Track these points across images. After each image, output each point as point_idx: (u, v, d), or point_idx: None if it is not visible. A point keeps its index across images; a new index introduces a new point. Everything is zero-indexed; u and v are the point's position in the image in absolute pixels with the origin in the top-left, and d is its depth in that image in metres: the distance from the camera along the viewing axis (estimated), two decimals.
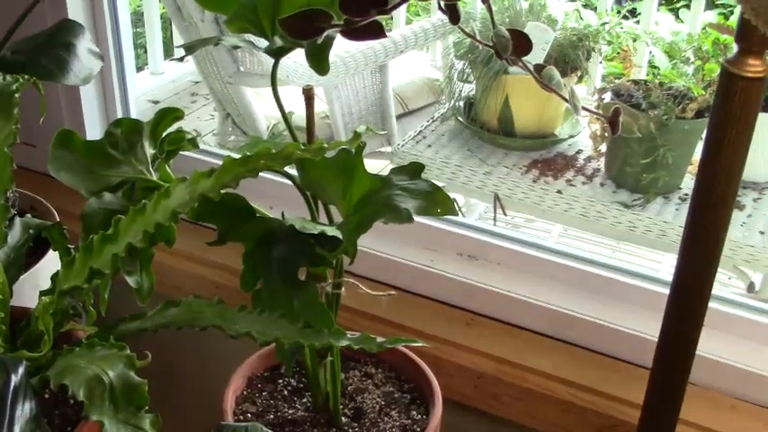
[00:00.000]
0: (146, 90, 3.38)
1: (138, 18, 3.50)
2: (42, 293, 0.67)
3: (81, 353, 0.63)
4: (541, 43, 1.84)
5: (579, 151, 2.01)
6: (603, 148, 1.93)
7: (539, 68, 0.70)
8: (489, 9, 0.66)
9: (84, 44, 1.05)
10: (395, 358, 1.02)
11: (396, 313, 1.17)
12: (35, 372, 0.64)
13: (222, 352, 0.99)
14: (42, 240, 0.88)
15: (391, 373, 1.03)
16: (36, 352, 0.66)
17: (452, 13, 0.68)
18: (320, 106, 2.46)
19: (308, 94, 0.82)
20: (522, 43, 0.66)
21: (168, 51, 3.62)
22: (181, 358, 1.27)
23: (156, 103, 3.48)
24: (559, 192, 1.87)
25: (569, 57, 1.90)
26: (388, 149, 2.55)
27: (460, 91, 2.05)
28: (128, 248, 0.64)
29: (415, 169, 0.80)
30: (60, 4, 1.23)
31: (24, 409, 0.57)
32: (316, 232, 0.73)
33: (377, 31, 0.50)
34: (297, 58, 2.17)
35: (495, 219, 1.78)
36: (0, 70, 1.00)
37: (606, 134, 1.83)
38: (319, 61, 0.75)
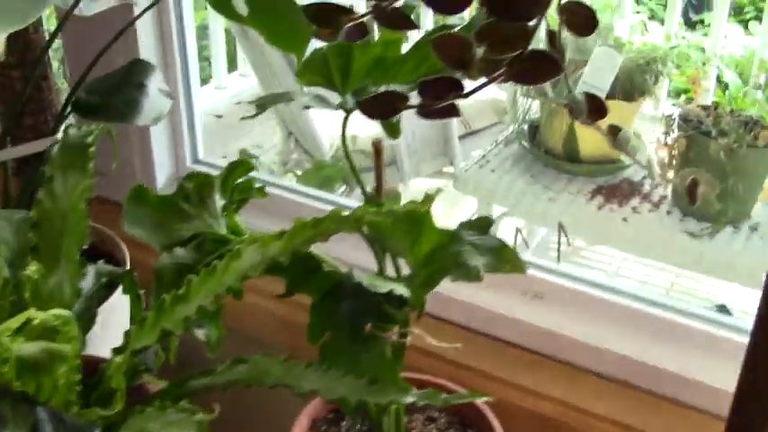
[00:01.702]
0: (210, 104, 3.43)
1: (202, 31, 3.54)
2: (115, 351, 0.68)
3: (153, 414, 0.63)
4: (609, 68, 1.81)
5: (646, 177, 1.98)
6: (671, 174, 1.90)
7: (614, 131, 0.69)
8: (565, 76, 0.65)
9: (156, 84, 1.06)
10: (462, 404, 1.02)
11: (461, 353, 1.16)
12: (106, 430, 0.65)
13: (287, 392, 1.00)
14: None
15: (455, 417, 1.02)
16: (108, 409, 0.66)
17: None
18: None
19: (377, 148, 0.81)
20: (596, 107, 0.65)
21: (232, 65, 3.66)
22: (246, 396, 1.27)
23: (219, 117, 3.52)
24: (625, 219, 1.84)
25: (636, 81, 1.87)
26: (451, 169, 2.55)
27: (525, 114, 2.03)
28: (199, 310, 0.65)
29: (483, 224, 0.79)
30: (132, 43, 1.25)
31: None
32: (384, 291, 0.73)
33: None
34: None
35: (558, 251, 1.76)
36: (75, 112, 1.02)
37: (674, 161, 1.80)
38: (392, 130, 0.75)
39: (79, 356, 0.67)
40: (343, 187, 2.39)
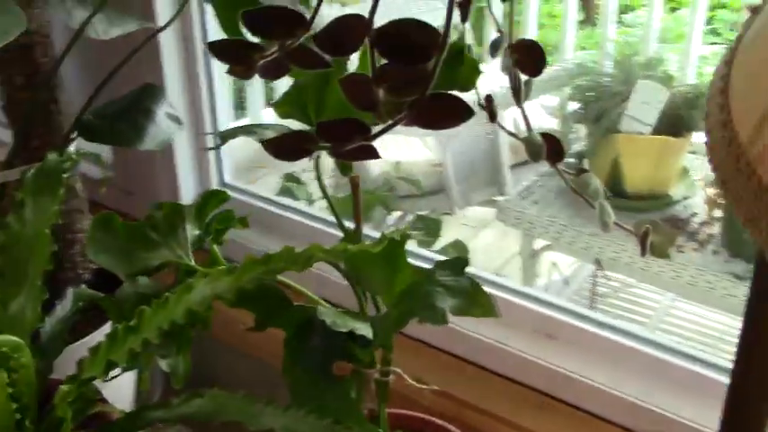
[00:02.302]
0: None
1: None
2: (65, 381, 0.67)
3: None
4: (654, 102, 1.76)
5: (694, 214, 1.91)
6: (719, 213, 1.83)
7: (579, 171, 0.66)
8: (524, 117, 0.63)
9: (164, 108, 1.07)
10: None
11: (462, 388, 1.13)
12: None
13: None
14: None
15: None
16: None
17: (490, 113, 0.65)
18: (428, 154, 2.44)
19: (354, 183, 0.80)
20: (555, 147, 0.62)
21: (269, 96, 3.69)
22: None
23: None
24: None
25: (684, 115, 1.82)
26: (501, 198, 2.51)
27: (569, 146, 1.99)
28: (144, 343, 0.64)
29: (458, 264, 0.77)
30: (155, 67, 1.27)
31: None
32: (345, 330, 0.71)
33: (368, 155, 0.48)
34: None
35: (593, 291, 1.71)
36: (81, 135, 1.04)
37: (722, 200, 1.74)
38: (343, 167, 0.74)
39: (31, 385, 0.67)
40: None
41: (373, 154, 0.48)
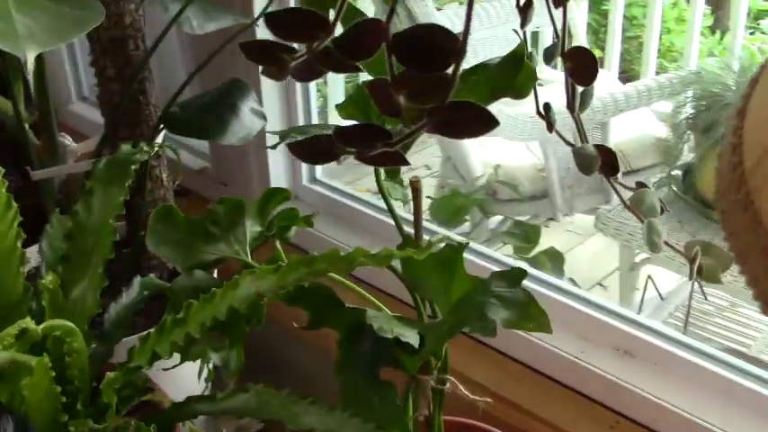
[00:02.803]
0: None
1: None
2: (115, 368, 0.69)
3: None
4: None
5: None
6: None
7: (638, 186, 0.63)
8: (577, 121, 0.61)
9: (249, 104, 1.08)
10: None
11: (535, 401, 1.10)
12: None
13: None
14: None
15: None
16: (101, 423, 0.68)
17: (547, 122, 0.63)
18: (533, 159, 2.40)
19: (415, 187, 0.79)
20: (609, 161, 0.60)
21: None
22: None
23: None
24: None
25: None
26: (608, 207, 2.45)
27: (677, 157, 1.92)
28: (186, 337, 0.65)
29: (515, 276, 0.75)
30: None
31: None
32: (390, 336, 0.70)
33: (394, 161, 0.47)
34: (510, 111, 2.14)
35: (687, 316, 1.64)
36: (166, 127, 1.06)
37: None
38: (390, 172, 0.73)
39: (82, 367, 0.69)
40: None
41: (399, 160, 0.48)
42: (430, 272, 0.77)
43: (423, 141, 3.28)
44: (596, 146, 0.60)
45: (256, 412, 0.70)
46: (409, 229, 0.81)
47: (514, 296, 0.73)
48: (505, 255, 1.55)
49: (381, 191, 0.79)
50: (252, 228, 0.79)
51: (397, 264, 0.80)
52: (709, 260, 0.54)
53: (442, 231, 1.32)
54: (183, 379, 0.82)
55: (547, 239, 1.93)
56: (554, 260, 1.74)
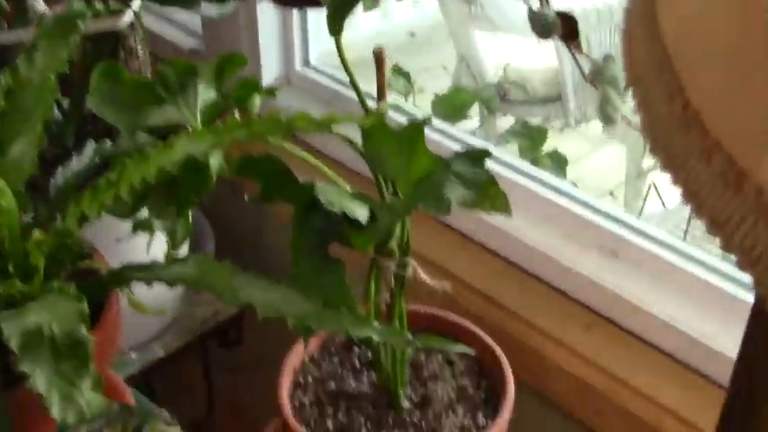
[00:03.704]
0: (406, 22, 3.45)
1: None
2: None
3: (52, 297, 0.61)
4: None
5: None
6: None
7: (605, 57, 0.58)
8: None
9: None
10: (480, 350, 0.94)
11: (511, 296, 1.07)
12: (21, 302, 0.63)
13: None
14: None
15: (475, 366, 0.95)
16: (30, 285, 0.65)
17: None
18: (548, 61, 2.33)
19: (378, 57, 0.74)
20: (570, 26, 0.55)
21: None
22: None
23: (412, 35, 3.53)
24: None
25: None
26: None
27: None
28: (115, 199, 0.61)
29: (478, 155, 0.70)
30: None
31: None
32: (338, 211, 0.67)
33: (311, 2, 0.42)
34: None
35: (687, 226, 1.58)
36: None
37: None
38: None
39: (12, 228, 0.66)
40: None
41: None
42: (391, 150, 0.73)
43: (440, 42, 3.21)
44: (558, 12, 0.55)
45: (194, 283, 0.67)
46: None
47: (476, 176, 0.69)
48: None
49: (343, 61, 0.74)
50: (206, 94, 0.74)
51: (359, 141, 0.76)
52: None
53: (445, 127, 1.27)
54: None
55: (560, 146, 1.87)
56: (556, 162, 1.69)
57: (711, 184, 0.28)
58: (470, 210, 0.68)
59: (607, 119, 0.53)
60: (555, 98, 2.29)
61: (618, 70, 0.56)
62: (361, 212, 0.68)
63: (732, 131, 0.27)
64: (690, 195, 0.29)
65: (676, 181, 0.30)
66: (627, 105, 0.75)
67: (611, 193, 2.54)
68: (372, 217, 0.70)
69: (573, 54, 0.56)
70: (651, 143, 0.31)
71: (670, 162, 0.30)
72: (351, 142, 0.74)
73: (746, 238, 0.28)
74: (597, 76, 0.55)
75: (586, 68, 0.58)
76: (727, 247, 0.28)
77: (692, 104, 0.28)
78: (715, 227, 0.28)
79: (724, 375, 0.94)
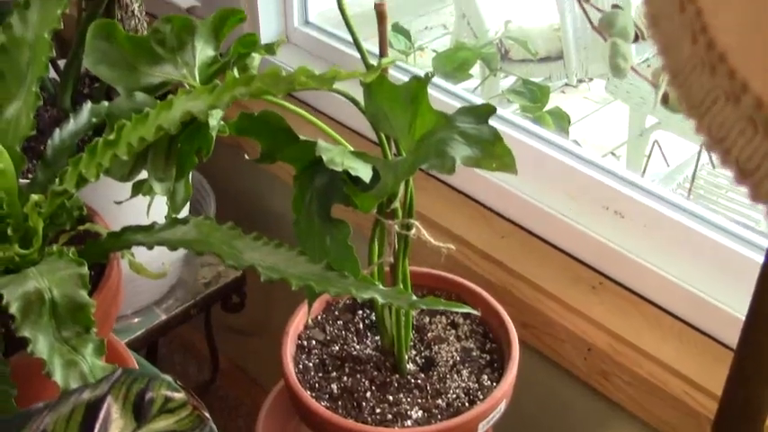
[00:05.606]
0: None
1: None
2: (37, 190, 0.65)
3: (51, 260, 0.60)
4: None
5: None
6: None
7: (614, 6, 0.56)
8: None
9: None
10: (486, 312, 0.93)
11: (518, 259, 1.06)
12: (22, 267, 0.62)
13: None
14: None
15: (479, 328, 0.94)
16: (29, 249, 0.64)
17: None
18: (549, 18, 2.30)
19: (380, 11, 0.72)
20: None
21: None
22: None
23: None
24: None
25: None
26: None
27: None
28: (112, 158, 0.60)
29: (483, 112, 0.69)
30: None
31: None
32: (340, 170, 0.65)
33: None
34: None
35: (692, 182, 1.56)
36: None
37: None
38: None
39: (9, 190, 0.65)
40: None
41: None
42: (394, 107, 0.71)
43: (444, 2, 3.18)
44: None
45: (195, 245, 0.66)
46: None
47: (480, 133, 0.67)
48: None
49: (344, 16, 0.72)
50: (203, 52, 0.73)
51: (361, 100, 0.74)
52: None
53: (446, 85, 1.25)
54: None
55: (563, 105, 1.85)
56: (558, 120, 1.67)
57: (739, 129, 0.27)
58: (475, 168, 0.66)
59: (617, 70, 0.51)
60: (556, 56, 2.26)
61: (627, 20, 0.54)
62: (364, 171, 0.66)
63: (761, 71, 0.26)
64: (716, 142, 0.28)
65: (700, 128, 0.28)
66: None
67: (613, 153, 2.52)
68: (375, 177, 0.69)
69: (581, 3, 0.54)
70: (675, 88, 0.29)
71: (694, 108, 0.28)
72: (353, 100, 0.73)
73: None
74: (607, 27, 0.53)
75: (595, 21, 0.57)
76: (756, 196, 0.27)
77: (717, 44, 0.27)
78: (744, 175, 0.27)
79: (730, 335, 0.93)
